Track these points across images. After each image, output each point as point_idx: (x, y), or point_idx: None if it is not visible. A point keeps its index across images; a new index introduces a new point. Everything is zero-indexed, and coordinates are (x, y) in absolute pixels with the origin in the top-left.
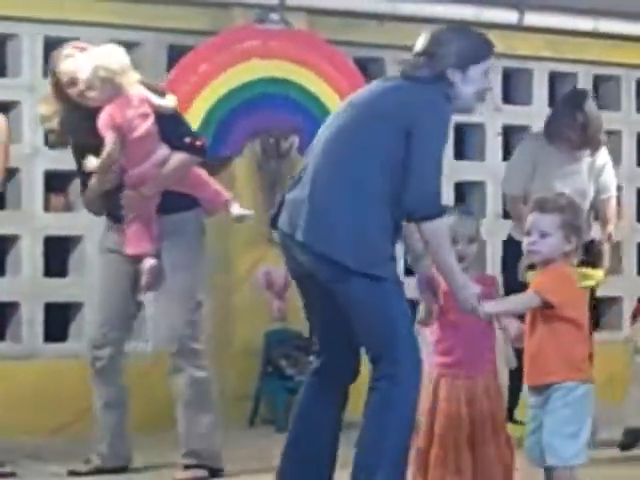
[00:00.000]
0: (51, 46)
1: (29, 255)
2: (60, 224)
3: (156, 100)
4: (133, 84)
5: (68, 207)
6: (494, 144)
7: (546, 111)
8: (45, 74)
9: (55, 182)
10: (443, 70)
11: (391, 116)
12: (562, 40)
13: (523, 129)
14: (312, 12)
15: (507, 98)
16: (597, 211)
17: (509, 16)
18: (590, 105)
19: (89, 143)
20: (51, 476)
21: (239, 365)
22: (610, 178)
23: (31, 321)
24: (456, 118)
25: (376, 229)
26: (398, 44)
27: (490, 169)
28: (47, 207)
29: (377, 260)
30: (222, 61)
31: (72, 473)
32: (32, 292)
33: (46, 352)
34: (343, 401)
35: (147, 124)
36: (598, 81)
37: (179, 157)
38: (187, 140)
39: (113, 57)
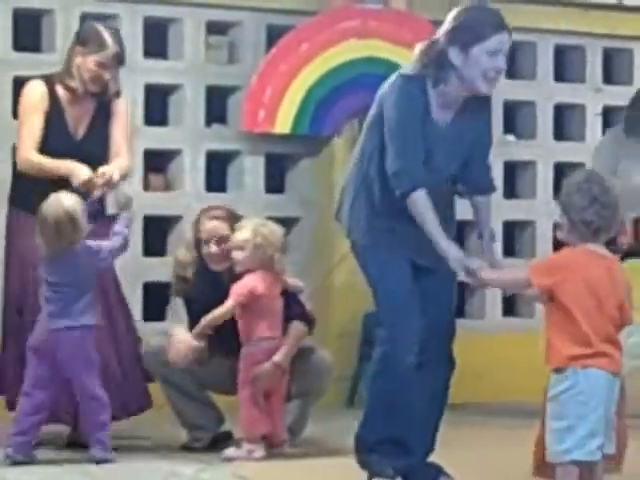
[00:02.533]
0: (151, 25)
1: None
2: (159, 204)
3: (290, 281)
4: (281, 267)
5: (167, 187)
6: (594, 125)
7: None
8: (146, 54)
9: (154, 161)
10: (444, 50)
11: (377, 108)
12: None
13: (624, 110)
14: None
15: (608, 79)
16: None
17: None
18: None
19: (206, 301)
20: None
21: (337, 347)
22: None
23: (130, 300)
24: (557, 99)
25: (364, 206)
26: None
27: (590, 150)
28: (146, 186)
29: (362, 230)
30: (322, 41)
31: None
32: (131, 271)
33: (144, 331)
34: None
35: (279, 304)
36: None
37: (298, 327)
38: (305, 311)
39: (276, 231)
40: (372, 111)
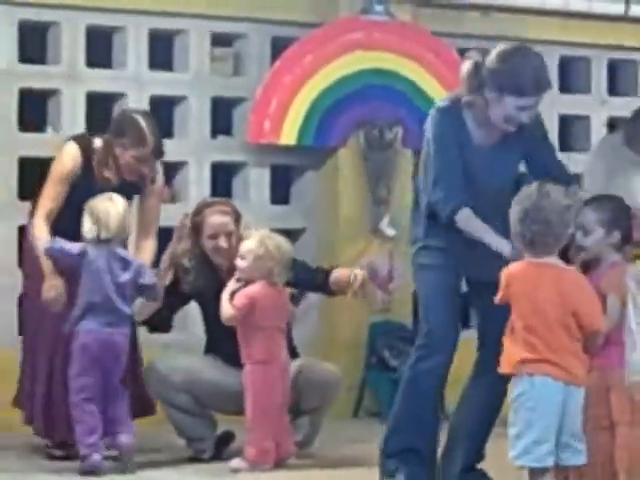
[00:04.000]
0: (155, 38)
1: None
2: (165, 215)
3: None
4: (279, 281)
5: (173, 198)
6: (599, 135)
7: None
8: (151, 66)
9: None
10: (483, 83)
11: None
12: None
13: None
14: (417, 3)
15: (613, 90)
16: None
17: (616, 7)
18: None
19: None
20: None
21: (343, 356)
22: None
23: None
24: (562, 110)
25: (421, 230)
26: (503, 35)
27: None
28: None
29: (417, 250)
30: (326, 53)
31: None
32: None
33: (147, 342)
34: None
35: (281, 320)
36: None
37: None
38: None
39: (282, 246)
40: (424, 144)
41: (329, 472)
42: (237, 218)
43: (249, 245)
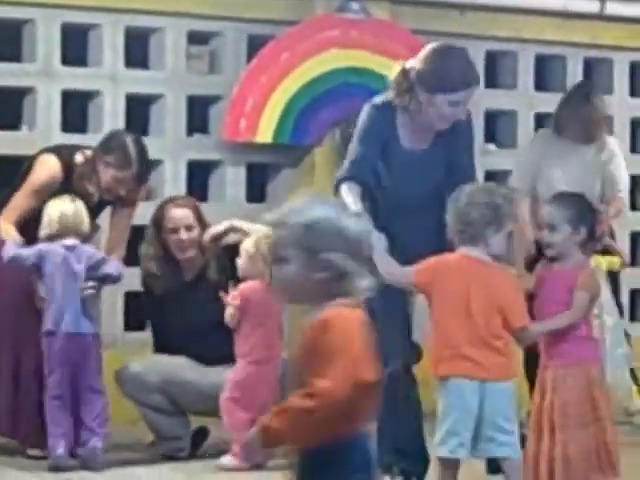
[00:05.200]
0: (132, 35)
1: None
2: (140, 213)
3: None
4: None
5: (148, 196)
6: None
7: (628, 101)
8: (127, 64)
9: None
10: (413, 85)
11: None
12: None
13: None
14: (394, 1)
15: None
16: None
17: (591, 5)
18: (597, 97)
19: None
20: None
21: None
22: (619, 172)
23: (112, 310)
24: (538, 108)
25: None
26: (480, 34)
27: None
28: None
29: None
30: (303, 50)
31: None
32: None
33: (126, 340)
34: None
35: (275, 321)
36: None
37: None
38: None
39: None
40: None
41: None
42: (198, 213)
43: (245, 244)
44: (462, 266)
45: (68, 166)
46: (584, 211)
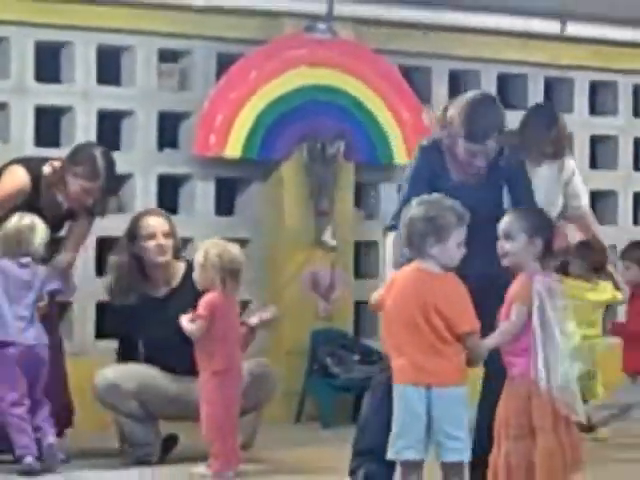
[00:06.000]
0: (103, 53)
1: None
2: (112, 225)
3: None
4: (229, 289)
5: (120, 209)
6: None
7: (588, 119)
8: (100, 81)
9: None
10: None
11: None
12: (604, 50)
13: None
14: (359, 22)
15: None
16: (571, 220)
17: (552, 26)
18: (562, 118)
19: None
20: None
21: (286, 363)
22: (579, 188)
23: (83, 318)
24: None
25: None
26: (442, 53)
27: None
28: None
29: None
30: (271, 69)
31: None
32: (85, 291)
33: (96, 348)
34: None
35: (235, 331)
36: (638, 89)
37: None
38: None
39: (224, 255)
40: None
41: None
42: (171, 223)
43: (196, 255)
44: (411, 278)
45: (37, 177)
46: (541, 224)
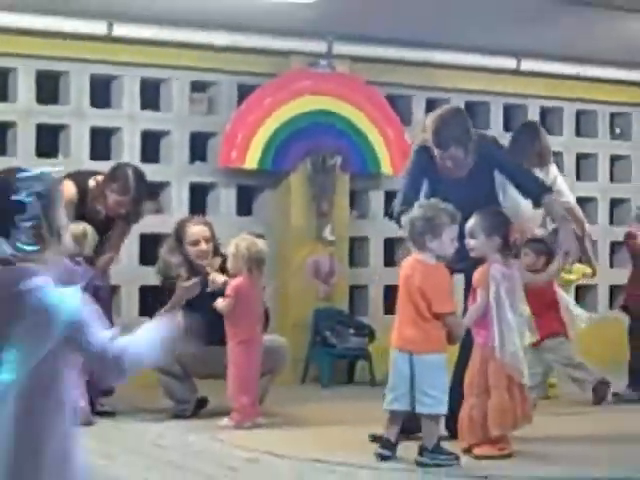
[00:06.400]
0: (146, 84)
1: None
2: (152, 223)
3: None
4: (255, 275)
5: (159, 210)
6: None
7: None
8: (143, 107)
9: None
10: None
11: None
12: (553, 82)
13: None
14: (353, 59)
15: (507, 128)
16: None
17: (509, 63)
18: (543, 132)
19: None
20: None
21: (293, 335)
22: (562, 188)
23: (129, 300)
24: None
25: None
26: (420, 85)
27: None
28: None
29: None
30: (282, 97)
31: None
32: (130, 277)
33: (140, 324)
34: None
35: (258, 308)
36: (579, 114)
37: None
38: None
39: (251, 247)
40: None
41: (285, 429)
42: (211, 228)
43: (229, 247)
44: (408, 266)
45: (83, 190)
46: (498, 223)
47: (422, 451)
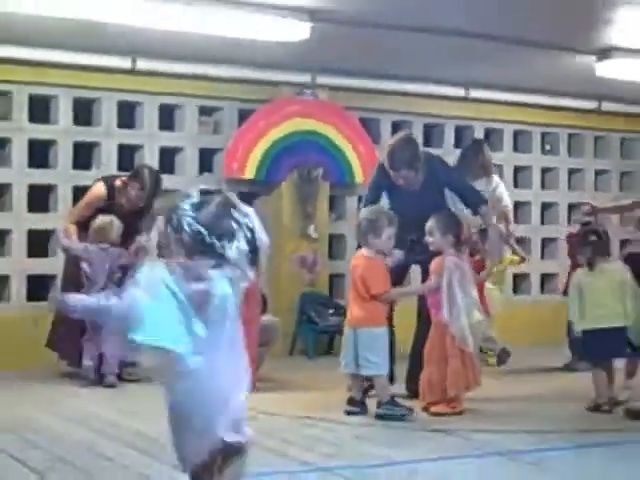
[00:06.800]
0: (163, 109)
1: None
2: None
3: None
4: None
5: None
6: None
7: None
8: (160, 127)
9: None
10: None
11: None
12: (496, 107)
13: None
14: (333, 89)
15: (457, 146)
16: (498, 216)
17: (458, 92)
18: (487, 148)
19: None
20: None
21: (284, 315)
22: (502, 194)
23: None
24: None
25: None
26: (387, 109)
27: None
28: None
29: None
30: (274, 119)
31: None
32: None
33: None
34: None
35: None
36: (517, 134)
37: None
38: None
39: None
40: None
41: (278, 393)
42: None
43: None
44: (356, 259)
45: (111, 188)
46: (451, 224)
47: (379, 405)
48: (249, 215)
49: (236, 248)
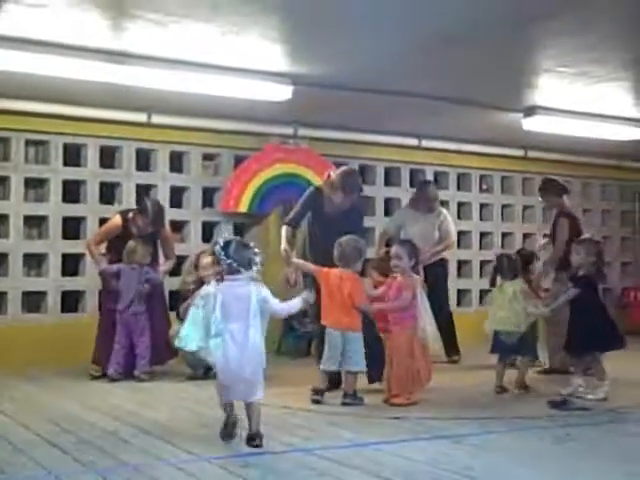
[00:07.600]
0: (173, 155)
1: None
2: (177, 248)
3: None
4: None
5: (182, 240)
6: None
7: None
8: (171, 170)
9: (176, 226)
10: (330, 184)
11: None
12: (444, 155)
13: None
14: (312, 139)
15: (412, 185)
16: (445, 246)
17: (410, 141)
18: (434, 187)
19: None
20: None
21: (271, 323)
22: (449, 228)
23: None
24: (392, 195)
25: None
26: (354, 156)
27: None
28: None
29: None
30: (263, 163)
31: None
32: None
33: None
34: None
35: None
36: (461, 177)
37: None
38: None
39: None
40: None
41: (272, 387)
42: (215, 258)
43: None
44: (337, 275)
45: (126, 220)
46: (413, 250)
47: (345, 395)
48: (256, 249)
49: (256, 269)
